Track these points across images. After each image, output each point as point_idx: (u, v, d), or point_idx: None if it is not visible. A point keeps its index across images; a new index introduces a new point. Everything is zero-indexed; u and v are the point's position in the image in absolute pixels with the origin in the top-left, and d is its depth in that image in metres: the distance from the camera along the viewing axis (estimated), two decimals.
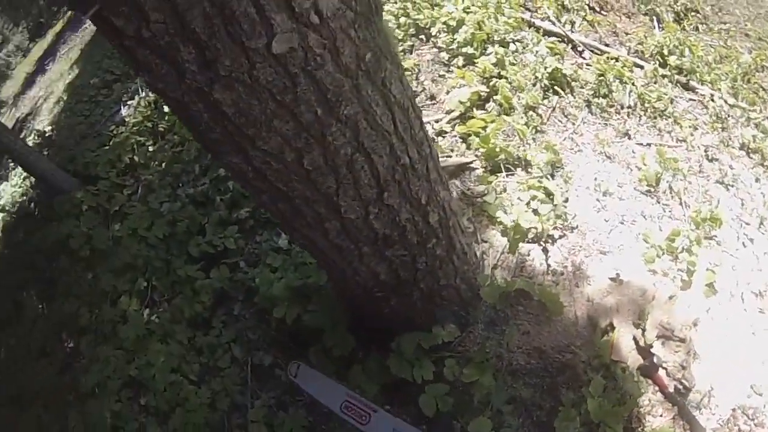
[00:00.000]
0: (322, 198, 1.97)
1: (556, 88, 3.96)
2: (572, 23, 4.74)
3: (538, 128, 3.77)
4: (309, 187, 1.91)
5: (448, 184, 2.73)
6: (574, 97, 3.93)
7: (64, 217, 4.82)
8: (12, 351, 4.56)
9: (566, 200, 3.35)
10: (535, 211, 3.25)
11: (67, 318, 4.18)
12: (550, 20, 4.69)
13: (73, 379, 3.76)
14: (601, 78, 3.97)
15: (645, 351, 2.83)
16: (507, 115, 3.81)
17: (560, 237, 3.24)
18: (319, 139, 1.73)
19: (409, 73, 4.30)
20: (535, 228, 3.21)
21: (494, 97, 3.88)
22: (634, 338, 2.89)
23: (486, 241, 3.33)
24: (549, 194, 3.32)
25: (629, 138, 3.72)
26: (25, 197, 6.03)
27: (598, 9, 5.03)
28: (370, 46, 1.69)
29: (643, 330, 2.87)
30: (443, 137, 3.81)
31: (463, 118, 3.85)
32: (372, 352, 3.11)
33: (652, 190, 3.45)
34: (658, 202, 3.41)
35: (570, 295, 3.06)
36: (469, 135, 3.74)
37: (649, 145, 3.71)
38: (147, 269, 4.13)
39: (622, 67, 4.13)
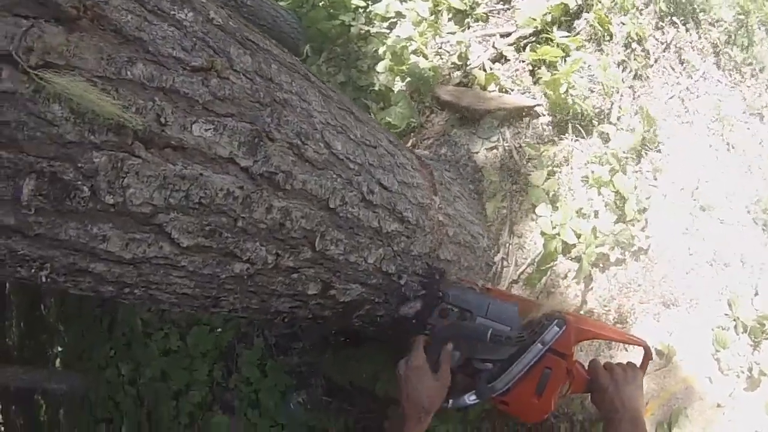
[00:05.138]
0: None
1: (675, 18, 2.73)
2: None
3: (639, 72, 2.68)
4: None
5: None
6: (699, 37, 2.73)
7: None
8: None
9: (643, 210, 2.39)
10: (590, 223, 2.34)
11: None
12: None
13: None
14: (742, 19, 2.72)
15: None
16: (599, 43, 2.72)
17: (616, 263, 2.35)
18: None
19: None
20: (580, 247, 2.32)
21: (586, 15, 2.75)
22: None
23: (518, 236, 2.47)
24: (621, 200, 2.37)
25: (761, 120, 2.60)
26: None
27: None
28: None
29: None
30: (504, 63, 2.78)
31: (539, 38, 2.78)
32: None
33: None
34: None
35: (595, 356, 2.26)
36: (540, 65, 2.71)
37: None
38: None
39: None
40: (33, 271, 1.01)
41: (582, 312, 2.31)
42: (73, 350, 4.47)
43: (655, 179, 2.48)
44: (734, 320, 2.29)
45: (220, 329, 3.36)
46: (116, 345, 3.85)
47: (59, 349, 5.01)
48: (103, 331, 4.02)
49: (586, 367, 1.79)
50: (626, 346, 2.26)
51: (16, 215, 0.90)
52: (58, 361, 5.00)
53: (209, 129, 1.07)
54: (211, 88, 1.09)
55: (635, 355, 1.82)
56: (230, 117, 1.12)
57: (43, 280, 1.03)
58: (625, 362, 1.79)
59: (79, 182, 0.94)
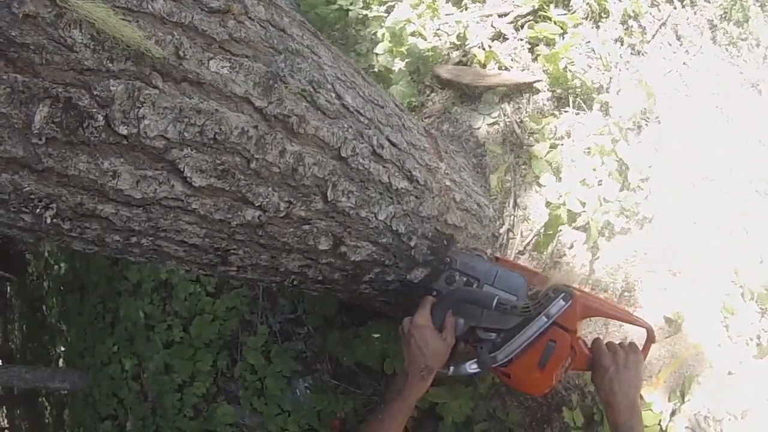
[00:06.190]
0: None
1: None
2: None
3: (636, 48, 2.70)
4: None
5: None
6: (695, 14, 2.75)
7: None
8: None
9: (646, 179, 2.40)
10: (594, 191, 2.35)
11: None
12: None
13: (122, 272, 4.05)
14: None
15: None
16: (596, 21, 2.74)
17: (622, 232, 2.35)
18: None
19: None
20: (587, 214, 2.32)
21: None
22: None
23: (523, 209, 2.48)
24: (623, 167, 2.38)
25: (759, 93, 2.62)
26: None
27: None
28: None
29: (674, 412, 2.12)
30: (503, 41, 2.79)
31: (536, 17, 2.79)
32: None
33: None
34: None
35: (605, 326, 2.26)
36: (539, 43, 2.72)
37: None
38: None
39: None
40: (38, 211, 0.99)
41: (590, 281, 2.32)
42: (75, 349, 4.46)
43: (656, 150, 2.49)
44: (741, 287, 2.30)
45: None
46: (119, 341, 3.85)
47: (62, 349, 5.00)
48: (105, 327, 4.01)
49: (589, 345, 1.80)
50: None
51: (25, 146, 0.89)
52: (60, 361, 4.99)
53: (226, 66, 1.08)
54: (228, 29, 1.10)
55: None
56: (246, 58, 1.12)
57: (48, 221, 1.01)
58: (627, 343, 1.81)
59: (94, 110, 0.93)
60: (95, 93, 0.93)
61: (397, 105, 1.83)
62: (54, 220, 1.02)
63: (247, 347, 3.17)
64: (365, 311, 2.61)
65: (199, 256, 1.34)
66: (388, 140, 1.59)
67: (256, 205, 1.25)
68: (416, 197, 1.72)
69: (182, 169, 1.08)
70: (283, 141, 1.22)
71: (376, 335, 2.54)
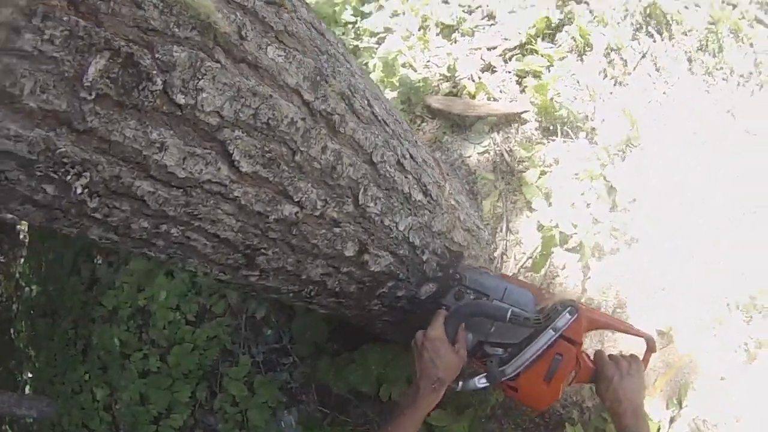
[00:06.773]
0: None
1: (650, 28, 2.90)
2: None
3: (619, 79, 2.82)
4: None
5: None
6: (673, 46, 2.89)
7: None
8: (50, 266, 4.93)
9: (633, 201, 2.48)
10: (584, 213, 2.42)
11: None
12: None
13: (97, 297, 3.92)
14: (712, 27, 2.90)
15: None
16: (581, 54, 2.85)
17: (611, 252, 2.42)
18: None
19: None
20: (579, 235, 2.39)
21: (567, 28, 2.88)
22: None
23: (515, 233, 2.53)
24: (611, 190, 2.46)
25: (732, 117, 2.75)
26: None
27: None
28: None
29: (672, 419, 2.18)
30: (492, 73, 2.88)
31: (524, 50, 2.89)
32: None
33: (749, 210, 2.53)
34: (753, 229, 2.50)
35: (600, 341, 2.30)
36: (526, 75, 2.82)
37: (755, 135, 2.73)
38: None
39: (740, 19, 2.90)
40: (69, 179, 0.91)
41: (583, 300, 2.36)
42: (45, 375, 4.27)
43: (641, 174, 2.57)
44: (726, 298, 2.37)
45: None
46: (91, 369, 3.70)
47: (29, 375, 4.80)
48: (76, 354, 3.86)
49: (592, 358, 1.84)
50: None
51: (70, 99, 0.82)
52: (27, 388, 4.78)
53: (281, 55, 1.10)
54: (283, 21, 1.12)
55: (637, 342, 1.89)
56: (297, 51, 1.15)
57: (78, 192, 0.94)
58: (628, 354, 1.85)
59: (154, 72, 0.90)
60: (157, 56, 0.90)
61: (408, 125, 1.88)
62: (83, 193, 0.95)
63: (229, 378, 3.09)
64: (358, 336, 2.59)
65: (226, 254, 1.31)
66: (409, 153, 1.62)
67: (295, 200, 1.26)
68: (429, 211, 1.75)
69: (231, 152, 1.07)
70: (326, 137, 1.24)
71: (372, 359, 2.52)
